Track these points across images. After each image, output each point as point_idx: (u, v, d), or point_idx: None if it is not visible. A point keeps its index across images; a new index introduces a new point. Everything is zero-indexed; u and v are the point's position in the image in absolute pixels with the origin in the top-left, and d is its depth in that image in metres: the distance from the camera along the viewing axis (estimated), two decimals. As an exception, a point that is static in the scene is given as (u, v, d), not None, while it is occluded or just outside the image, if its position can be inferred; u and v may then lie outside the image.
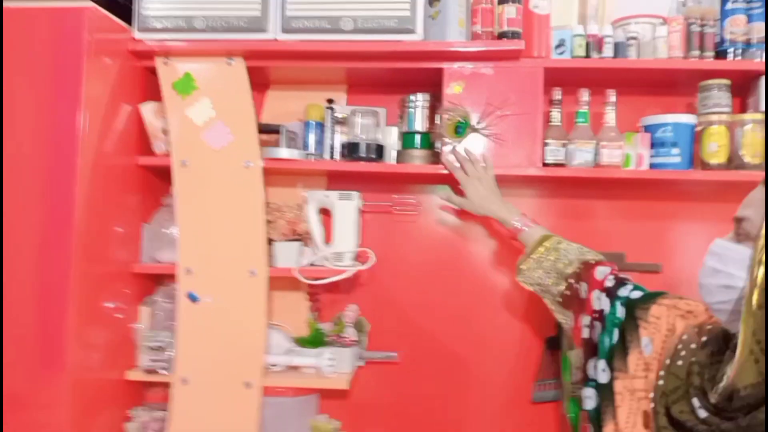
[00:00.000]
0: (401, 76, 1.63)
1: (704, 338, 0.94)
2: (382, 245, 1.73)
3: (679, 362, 0.95)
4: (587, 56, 1.56)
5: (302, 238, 1.64)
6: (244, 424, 1.52)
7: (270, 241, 1.59)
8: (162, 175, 1.63)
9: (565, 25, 1.58)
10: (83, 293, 1.37)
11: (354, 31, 1.48)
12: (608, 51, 1.56)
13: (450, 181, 1.67)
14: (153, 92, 1.59)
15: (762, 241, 0.76)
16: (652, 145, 1.55)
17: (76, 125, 1.35)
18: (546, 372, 1.69)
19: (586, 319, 1.23)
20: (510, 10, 1.49)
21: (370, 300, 1.76)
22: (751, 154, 1.49)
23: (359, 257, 1.68)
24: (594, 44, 1.57)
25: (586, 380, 1.18)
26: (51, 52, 1.36)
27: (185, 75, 1.55)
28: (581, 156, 1.54)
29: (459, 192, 1.54)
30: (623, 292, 1.18)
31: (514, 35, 1.50)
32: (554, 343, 1.68)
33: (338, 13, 1.48)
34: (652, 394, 0.98)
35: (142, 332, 1.60)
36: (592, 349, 1.19)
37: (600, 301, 1.21)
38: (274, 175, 1.65)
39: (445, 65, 1.55)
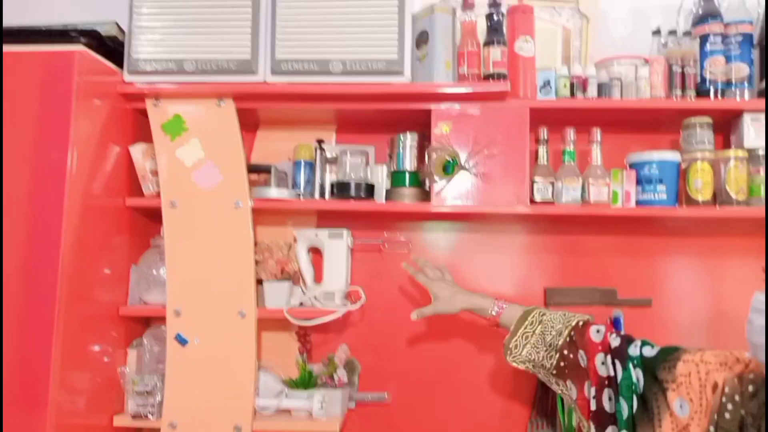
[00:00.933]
0: (390, 116, 1.64)
1: (750, 388, 0.93)
2: (372, 283, 1.73)
3: (727, 415, 0.94)
4: (572, 96, 1.59)
5: (292, 277, 1.63)
6: (233, 470, 1.49)
7: (259, 282, 1.58)
8: (151, 216, 1.63)
9: (549, 66, 1.62)
10: (68, 335, 1.35)
11: (343, 73, 1.50)
12: (592, 91, 1.59)
13: (443, 218, 1.68)
14: (143, 133, 1.60)
15: None
16: (639, 182, 1.57)
17: (64, 165, 1.35)
18: (540, 411, 1.67)
19: (592, 390, 1.17)
20: (495, 53, 1.53)
21: (360, 339, 1.75)
22: (735, 190, 1.52)
23: (350, 296, 1.67)
24: (578, 84, 1.60)
25: None
26: (41, 94, 1.37)
27: (175, 117, 1.56)
28: (569, 194, 1.55)
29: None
30: (633, 351, 1.12)
31: (500, 76, 1.53)
32: (547, 381, 1.66)
33: (327, 56, 1.50)
34: None
35: (129, 376, 1.57)
36: (606, 420, 1.13)
37: (607, 366, 1.15)
38: (265, 214, 1.65)
39: (432, 106, 1.57)
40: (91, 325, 1.46)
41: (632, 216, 1.60)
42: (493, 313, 1.36)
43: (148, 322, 1.69)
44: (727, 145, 1.65)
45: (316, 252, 1.70)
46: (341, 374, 1.62)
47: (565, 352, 1.23)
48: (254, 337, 1.52)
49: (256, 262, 1.57)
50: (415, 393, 1.73)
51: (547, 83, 1.59)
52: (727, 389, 0.96)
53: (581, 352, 1.20)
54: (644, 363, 1.09)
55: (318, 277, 1.66)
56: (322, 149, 1.66)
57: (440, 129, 1.56)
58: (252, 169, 1.61)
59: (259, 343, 1.56)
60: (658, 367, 1.07)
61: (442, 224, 1.78)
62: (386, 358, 1.75)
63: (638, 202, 1.56)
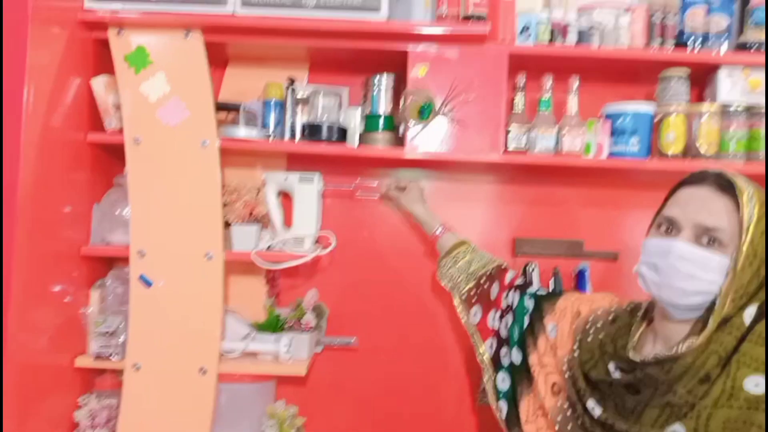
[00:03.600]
0: (365, 56, 1.59)
1: (611, 316, 1.14)
2: (343, 229, 1.71)
3: (590, 338, 1.13)
4: (551, 42, 1.56)
5: (260, 221, 1.60)
6: (199, 411, 1.48)
7: (227, 224, 1.55)
8: (114, 153, 1.56)
9: (530, 9, 1.57)
10: (28, 275, 1.31)
11: (316, 7, 1.44)
12: (572, 38, 1.56)
13: (416, 165, 1.66)
14: (105, 65, 1.52)
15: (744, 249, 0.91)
16: (612, 134, 1.57)
17: (20, 97, 1.27)
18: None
19: (495, 314, 1.40)
20: (476, -7, 1.48)
21: (330, 285, 1.74)
22: (706, 144, 1.52)
23: (320, 241, 1.65)
24: (558, 31, 1.57)
25: (499, 368, 1.34)
26: (-8, 19, 1.28)
27: (139, 48, 1.48)
28: (542, 143, 1.54)
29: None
30: (531, 289, 1.35)
31: (480, 18, 1.48)
32: (513, 328, 1.69)
33: (301, -12, 1.44)
34: (564, 366, 1.15)
35: (92, 317, 1.54)
36: (502, 340, 1.35)
37: (508, 299, 1.37)
38: (232, 155, 1.60)
39: (409, 47, 1.52)
40: (51, 264, 1.41)
41: (603, 167, 1.59)
42: (437, 233, 1.54)
43: (112, 263, 1.64)
44: (701, 99, 1.65)
45: (286, 196, 1.67)
46: (309, 318, 1.62)
47: (482, 281, 1.44)
48: (221, 279, 1.50)
49: (224, 204, 1.53)
50: (382, 339, 1.74)
51: (526, 28, 1.55)
52: (591, 317, 1.16)
53: (495, 285, 1.42)
54: (536, 297, 1.31)
55: (288, 222, 1.63)
56: (293, 89, 1.60)
57: (417, 71, 1.52)
58: (220, 107, 1.56)
59: (226, 286, 1.54)
60: (545, 301, 1.29)
61: (415, 171, 1.75)
62: (355, 304, 1.75)
63: (610, 154, 1.56)
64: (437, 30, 1.48)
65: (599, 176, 1.71)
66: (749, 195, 0.93)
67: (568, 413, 1.11)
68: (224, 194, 1.53)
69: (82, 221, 1.54)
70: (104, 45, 1.52)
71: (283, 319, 1.63)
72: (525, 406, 1.24)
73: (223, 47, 1.58)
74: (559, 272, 1.69)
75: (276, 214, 1.61)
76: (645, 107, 1.56)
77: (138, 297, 1.49)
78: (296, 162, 1.69)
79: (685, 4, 1.56)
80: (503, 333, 1.35)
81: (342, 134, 1.58)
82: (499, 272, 1.44)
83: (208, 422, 1.48)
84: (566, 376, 1.14)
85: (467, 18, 1.49)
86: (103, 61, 1.53)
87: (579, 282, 1.69)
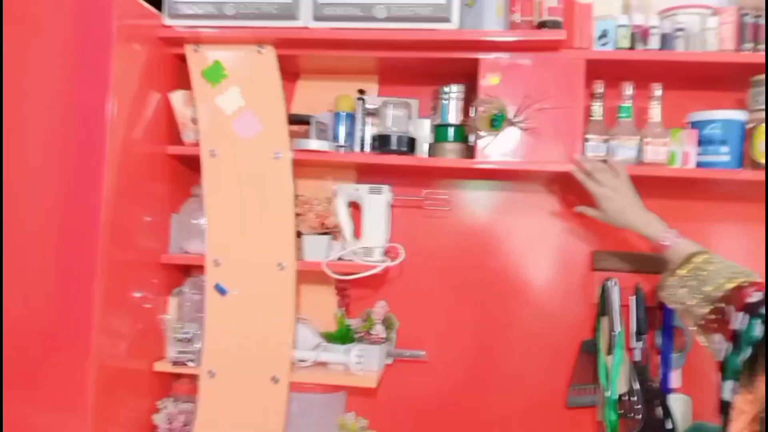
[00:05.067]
0: (435, 66, 1.57)
1: None
2: (412, 241, 1.69)
3: None
4: (632, 48, 1.49)
5: (331, 231, 1.61)
6: (271, 419, 1.50)
7: (299, 234, 1.57)
8: (191, 165, 1.61)
9: (608, 14, 1.50)
10: (110, 281, 1.36)
11: (387, 19, 1.43)
12: (654, 43, 1.48)
13: (487, 176, 1.62)
14: (182, 80, 1.57)
15: None
16: (700, 143, 1.48)
17: (104, 112, 1.33)
18: (581, 376, 1.63)
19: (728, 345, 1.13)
20: (550, -1, 1.43)
21: (398, 296, 1.73)
22: (804, 153, 1.41)
23: (389, 252, 1.64)
24: (639, 35, 1.49)
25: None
26: (79, 38, 1.34)
27: (215, 63, 1.53)
28: (624, 152, 1.47)
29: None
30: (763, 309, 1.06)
31: (555, 25, 1.43)
32: (591, 346, 1.62)
33: (371, 0, 1.43)
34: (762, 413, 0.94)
35: (170, 323, 1.59)
36: (722, 372, 1.11)
37: (738, 322, 1.10)
38: (304, 167, 1.62)
39: (481, 56, 1.49)
40: (132, 271, 1.47)
41: (690, 178, 1.50)
42: (664, 243, 1.31)
43: (189, 270, 1.69)
44: (798, 104, 1.53)
45: (355, 207, 1.67)
46: (379, 330, 1.61)
47: (720, 305, 1.17)
48: (293, 289, 1.51)
49: (296, 215, 1.54)
50: (452, 353, 1.71)
51: (605, 33, 1.49)
52: None
53: (731, 308, 1.14)
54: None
55: (357, 233, 1.63)
56: (363, 100, 1.60)
57: (488, 80, 1.49)
58: (292, 119, 1.57)
59: (297, 295, 1.55)
60: None
61: (486, 183, 1.72)
62: (424, 317, 1.72)
63: (699, 164, 1.47)
64: (509, 38, 1.44)
65: (685, 187, 1.60)
66: None
67: None
68: (296, 205, 1.55)
69: (161, 230, 1.60)
70: (182, 60, 1.57)
71: (354, 329, 1.63)
72: None
73: (295, 60, 1.60)
74: (642, 289, 1.60)
75: (346, 225, 1.61)
76: (736, 114, 1.47)
77: (213, 305, 1.52)
78: (366, 173, 1.69)
79: (780, 3, 1.46)
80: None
81: (411, 145, 1.57)
82: (736, 292, 1.15)
83: (280, 430, 1.50)
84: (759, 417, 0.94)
85: (541, 24, 1.44)
86: (180, 76, 1.58)
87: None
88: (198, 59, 1.54)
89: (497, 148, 1.49)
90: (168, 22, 1.51)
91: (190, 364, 1.55)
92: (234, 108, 1.53)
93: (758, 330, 1.03)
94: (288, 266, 1.51)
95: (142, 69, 1.46)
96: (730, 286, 1.16)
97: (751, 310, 1.07)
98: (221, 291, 1.52)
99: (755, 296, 1.10)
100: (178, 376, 1.63)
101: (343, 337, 1.61)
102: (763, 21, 1.45)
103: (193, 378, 1.58)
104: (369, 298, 1.72)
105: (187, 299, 1.63)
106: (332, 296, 1.70)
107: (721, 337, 1.15)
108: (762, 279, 1.17)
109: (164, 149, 1.58)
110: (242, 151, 1.52)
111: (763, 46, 1.45)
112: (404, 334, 1.71)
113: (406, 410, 1.72)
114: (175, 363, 1.56)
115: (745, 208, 1.62)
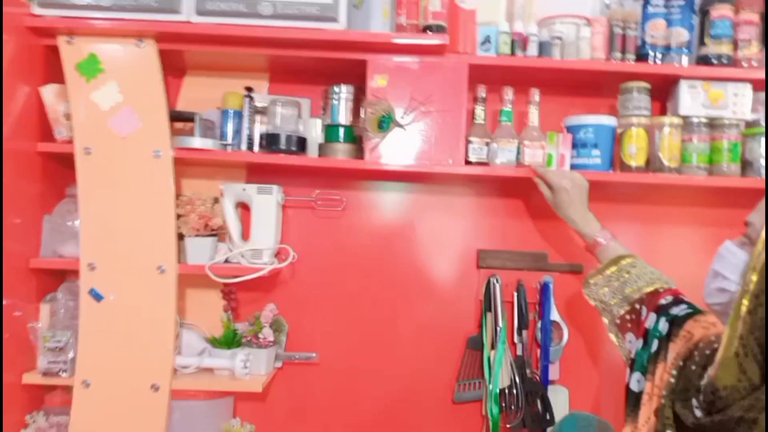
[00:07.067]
0: (325, 66, 1.57)
1: (716, 345, 0.92)
2: (304, 242, 1.68)
3: (693, 366, 0.95)
4: (512, 54, 1.55)
5: (217, 233, 1.56)
6: (151, 429, 1.44)
7: (181, 237, 1.51)
8: (65, 163, 1.52)
9: (491, 21, 1.56)
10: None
11: (273, 16, 1.42)
12: (533, 50, 1.55)
13: (378, 176, 1.63)
14: (55, 74, 1.48)
15: (760, 247, 0.77)
16: (574, 146, 1.55)
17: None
18: (468, 372, 1.67)
19: (637, 341, 1.18)
20: (435, 3, 1.46)
21: (291, 298, 1.70)
22: (668, 157, 1.51)
23: (279, 254, 1.62)
24: (519, 42, 1.55)
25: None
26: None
27: (90, 56, 1.45)
28: (504, 155, 1.52)
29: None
30: (674, 310, 1.13)
31: (439, 29, 1.47)
32: (476, 342, 1.66)
33: (257, -4, 1.41)
34: (664, 391, 1.00)
35: (40, 332, 1.49)
36: (631, 365, 1.16)
37: (648, 321, 1.17)
38: (190, 166, 1.57)
39: (369, 57, 1.50)
40: (-2, 278, 1.36)
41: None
42: (598, 240, 1.37)
43: (65, 276, 1.60)
44: (663, 111, 1.65)
45: (245, 208, 1.63)
46: (267, 333, 1.57)
47: (636, 305, 1.24)
48: (174, 293, 1.46)
49: (178, 216, 1.49)
50: (343, 354, 1.71)
51: (487, 39, 1.54)
52: (701, 344, 0.98)
53: (644, 308, 1.22)
54: (673, 320, 1.10)
55: (246, 234, 1.60)
56: (251, 98, 1.57)
57: (376, 82, 1.50)
58: (175, 116, 1.52)
59: (181, 300, 1.50)
60: (676, 324, 1.09)
61: (377, 183, 1.73)
62: (316, 318, 1.71)
63: (572, 166, 1.55)
64: (396, 40, 1.46)
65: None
66: None
67: None
68: (178, 205, 1.49)
69: (32, 233, 1.50)
70: (54, 53, 1.48)
71: (241, 334, 1.59)
72: None
73: (179, 56, 1.55)
74: (523, 285, 1.67)
75: (233, 226, 1.57)
76: (607, 120, 1.55)
77: (88, 311, 1.44)
78: (257, 173, 1.66)
79: (646, 16, 1.56)
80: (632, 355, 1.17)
81: (301, 145, 1.55)
82: (652, 296, 1.23)
83: (159, 441, 1.44)
84: (661, 402, 1.00)
85: (426, 28, 1.47)
86: (53, 70, 1.49)
87: (543, 295, 1.66)
88: (72, 52, 1.45)
89: (386, 149, 1.50)
90: (38, 10, 1.42)
91: (63, 374, 1.46)
92: (111, 104, 1.45)
93: (662, 326, 1.10)
94: (169, 270, 1.45)
95: (9, 60, 1.37)
96: (648, 289, 1.24)
97: (660, 310, 1.15)
98: (96, 296, 1.44)
99: (667, 299, 1.18)
100: (51, 388, 1.53)
101: (229, 341, 1.56)
102: (631, 33, 1.55)
103: (67, 389, 1.48)
104: (260, 302, 1.68)
105: (62, 306, 1.53)
106: (219, 300, 1.65)
107: (632, 336, 1.23)
108: (676, 287, 1.25)
109: (34, 146, 1.48)
110: (120, 149, 1.45)
111: (631, 56, 1.55)
112: (296, 337, 1.69)
113: (296, 413, 1.70)
114: (46, 374, 1.46)
115: (617, 207, 1.71)
